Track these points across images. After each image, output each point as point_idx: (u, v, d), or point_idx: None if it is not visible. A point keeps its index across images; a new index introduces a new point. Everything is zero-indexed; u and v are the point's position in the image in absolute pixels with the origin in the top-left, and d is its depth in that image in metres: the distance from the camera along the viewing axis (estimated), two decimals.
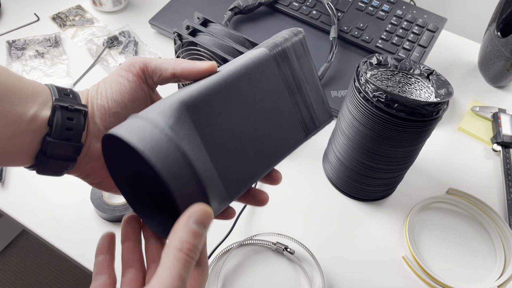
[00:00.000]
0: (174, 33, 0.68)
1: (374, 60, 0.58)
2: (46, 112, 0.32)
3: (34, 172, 0.64)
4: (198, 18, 0.74)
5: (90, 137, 0.34)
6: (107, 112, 0.34)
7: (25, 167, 0.33)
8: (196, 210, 0.27)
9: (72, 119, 0.32)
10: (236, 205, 0.64)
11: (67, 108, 0.32)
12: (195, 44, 0.65)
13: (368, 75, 0.57)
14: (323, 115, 0.38)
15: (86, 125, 0.34)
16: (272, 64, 0.35)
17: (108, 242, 0.33)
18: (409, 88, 0.58)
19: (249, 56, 0.35)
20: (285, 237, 0.61)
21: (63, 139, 0.32)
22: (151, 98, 0.37)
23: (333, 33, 0.82)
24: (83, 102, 0.34)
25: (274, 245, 0.60)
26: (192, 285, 0.28)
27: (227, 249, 0.59)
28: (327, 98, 0.39)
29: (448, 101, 0.55)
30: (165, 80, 0.36)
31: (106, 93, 0.34)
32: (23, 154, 0.32)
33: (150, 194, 0.34)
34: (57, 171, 0.34)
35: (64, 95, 0.33)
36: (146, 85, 0.36)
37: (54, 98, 0.32)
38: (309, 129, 0.37)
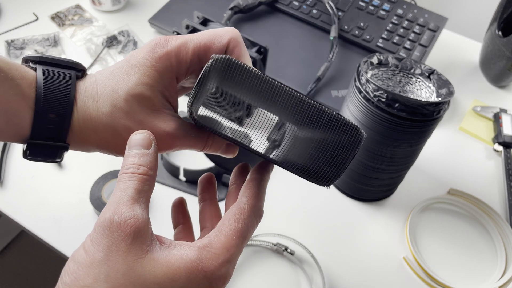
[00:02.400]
0: (173, 32, 0.68)
1: (374, 60, 0.58)
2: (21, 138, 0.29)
3: (33, 172, 0.64)
4: (198, 17, 0.74)
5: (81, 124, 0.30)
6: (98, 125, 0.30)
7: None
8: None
9: (48, 155, 0.30)
10: None
11: (42, 146, 0.29)
12: None
13: (369, 75, 0.56)
14: None
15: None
16: None
17: (180, 211, 0.34)
18: (410, 88, 0.58)
19: None
20: (285, 237, 0.60)
21: (41, 155, 0.30)
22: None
23: (333, 33, 0.82)
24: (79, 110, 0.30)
25: (274, 245, 0.60)
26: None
27: None
28: None
29: (449, 101, 0.55)
30: None
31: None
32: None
33: None
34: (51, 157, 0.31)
35: (48, 125, 0.29)
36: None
37: (30, 133, 0.29)
38: None
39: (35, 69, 0.29)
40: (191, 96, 0.28)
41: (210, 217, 0.33)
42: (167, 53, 0.30)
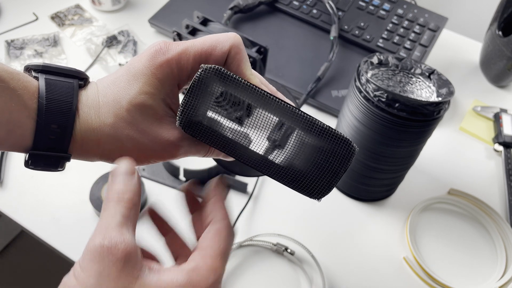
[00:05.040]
0: (173, 32, 0.68)
1: (375, 60, 0.58)
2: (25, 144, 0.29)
3: (33, 172, 0.64)
4: (198, 17, 0.74)
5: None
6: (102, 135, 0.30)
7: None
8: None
9: (50, 165, 0.31)
10: (235, 205, 0.63)
11: (44, 156, 0.30)
12: None
13: (369, 75, 0.56)
14: None
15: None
16: None
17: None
18: (410, 88, 0.58)
19: None
20: (286, 237, 0.60)
21: (42, 165, 0.30)
22: None
23: (333, 32, 0.82)
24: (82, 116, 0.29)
25: (274, 245, 0.60)
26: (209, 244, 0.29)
27: None
28: None
29: (449, 100, 0.55)
30: None
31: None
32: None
33: None
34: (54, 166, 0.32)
35: (50, 136, 0.28)
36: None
37: (32, 144, 0.29)
38: None
39: (37, 78, 0.29)
40: (181, 106, 0.28)
41: (180, 247, 0.33)
42: (167, 60, 0.29)
